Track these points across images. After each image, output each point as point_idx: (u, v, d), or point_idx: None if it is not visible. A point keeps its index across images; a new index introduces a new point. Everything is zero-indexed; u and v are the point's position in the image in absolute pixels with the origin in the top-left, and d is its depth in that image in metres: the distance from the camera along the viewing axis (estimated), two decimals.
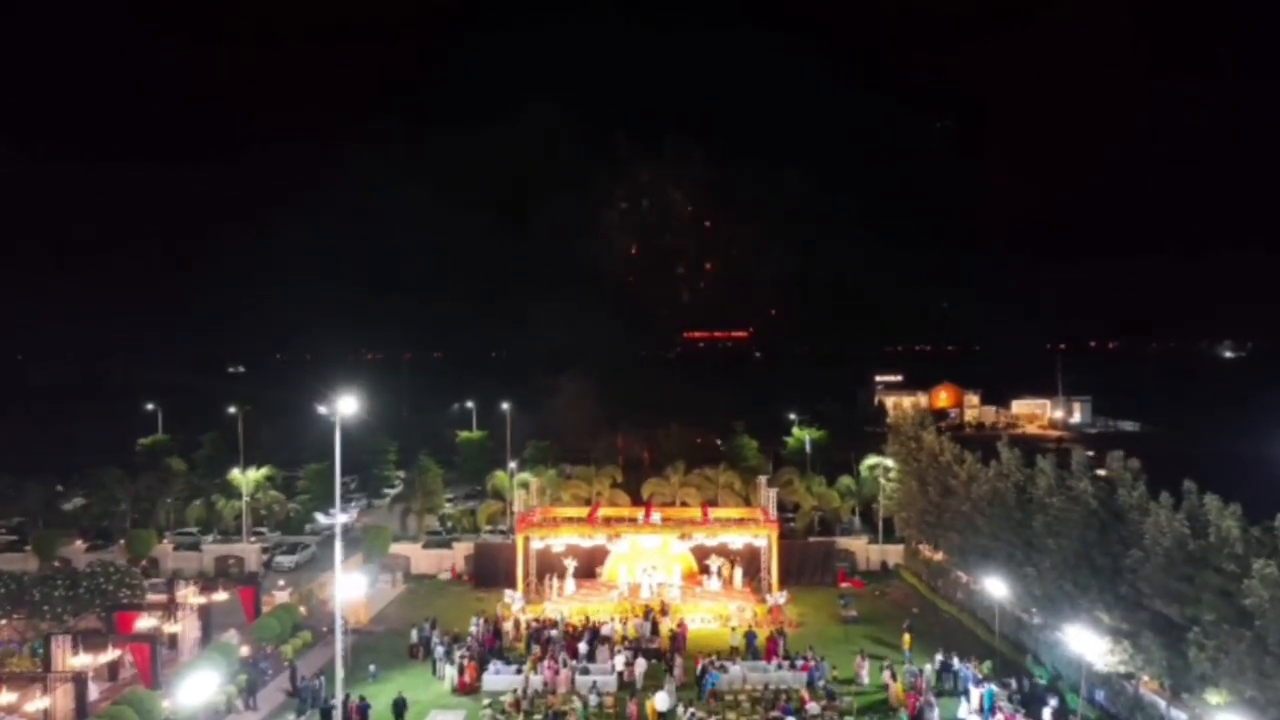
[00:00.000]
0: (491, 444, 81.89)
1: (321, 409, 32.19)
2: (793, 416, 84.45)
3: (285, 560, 57.85)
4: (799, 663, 37.64)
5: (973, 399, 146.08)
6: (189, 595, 43.04)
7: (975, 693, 34.01)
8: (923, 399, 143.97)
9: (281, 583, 48.52)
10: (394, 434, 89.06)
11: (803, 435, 77.11)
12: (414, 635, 41.98)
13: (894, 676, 35.58)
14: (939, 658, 37.37)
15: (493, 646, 40.65)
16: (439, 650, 39.14)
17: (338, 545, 32.56)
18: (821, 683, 36.30)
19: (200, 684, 28.25)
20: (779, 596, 45.95)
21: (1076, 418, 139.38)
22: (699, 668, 36.92)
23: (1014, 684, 34.77)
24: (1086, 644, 31.38)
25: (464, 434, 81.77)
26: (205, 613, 40.20)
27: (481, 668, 38.03)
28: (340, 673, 32.32)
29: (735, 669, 37.01)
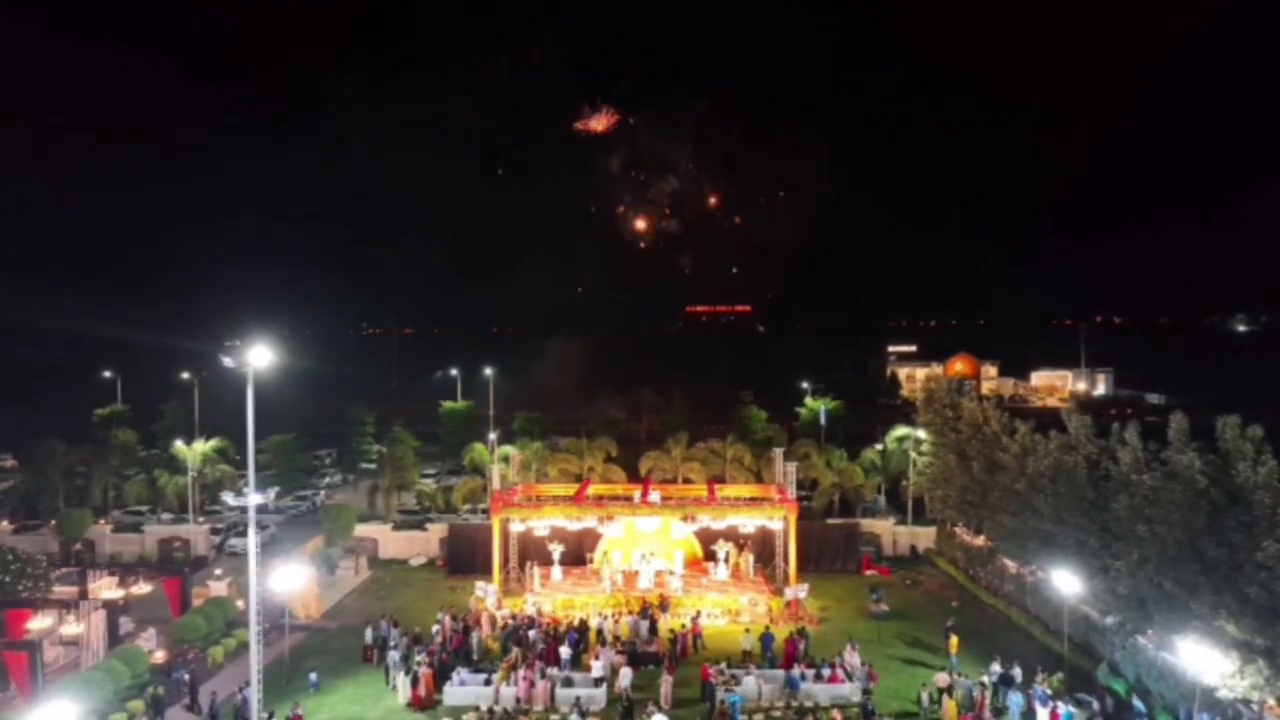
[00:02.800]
0: (479, 414, 75.49)
1: (228, 360, 25.50)
2: (806, 385, 77.57)
3: (240, 543, 51.37)
4: (825, 671, 31.14)
5: (990, 370, 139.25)
6: (103, 587, 36.52)
7: (1044, 713, 27.54)
8: (938, 370, 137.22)
9: (219, 571, 42.09)
10: (381, 406, 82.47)
11: (817, 405, 70.38)
12: (368, 634, 35.49)
13: (949, 691, 28.99)
14: (995, 667, 30.75)
15: (460, 649, 34.16)
16: (393, 655, 32.63)
17: (251, 533, 25.96)
18: (856, 698, 29.87)
19: (56, 713, 21.73)
20: (799, 589, 39.34)
21: (1100, 389, 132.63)
22: (708, 680, 30.44)
23: (1095, 704, 28.20)
24: (1201, 660, 24.73)
25: (448, 404, 74.98)
26: (113, 609, 33.65)
27: (443, 677, 31.54)
28: (256, 693, 25.85)
29: (749, 680, 30.45)
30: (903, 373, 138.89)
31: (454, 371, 78.02)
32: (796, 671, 31.25)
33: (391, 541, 50.67)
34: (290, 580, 33.51)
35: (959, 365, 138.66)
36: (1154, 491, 28.00)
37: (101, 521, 51.41)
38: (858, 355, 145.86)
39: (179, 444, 52.40)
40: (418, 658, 32.61)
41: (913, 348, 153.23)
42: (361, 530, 50.41)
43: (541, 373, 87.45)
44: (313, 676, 32.29)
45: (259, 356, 25.26)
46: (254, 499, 25.73)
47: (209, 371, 69.36)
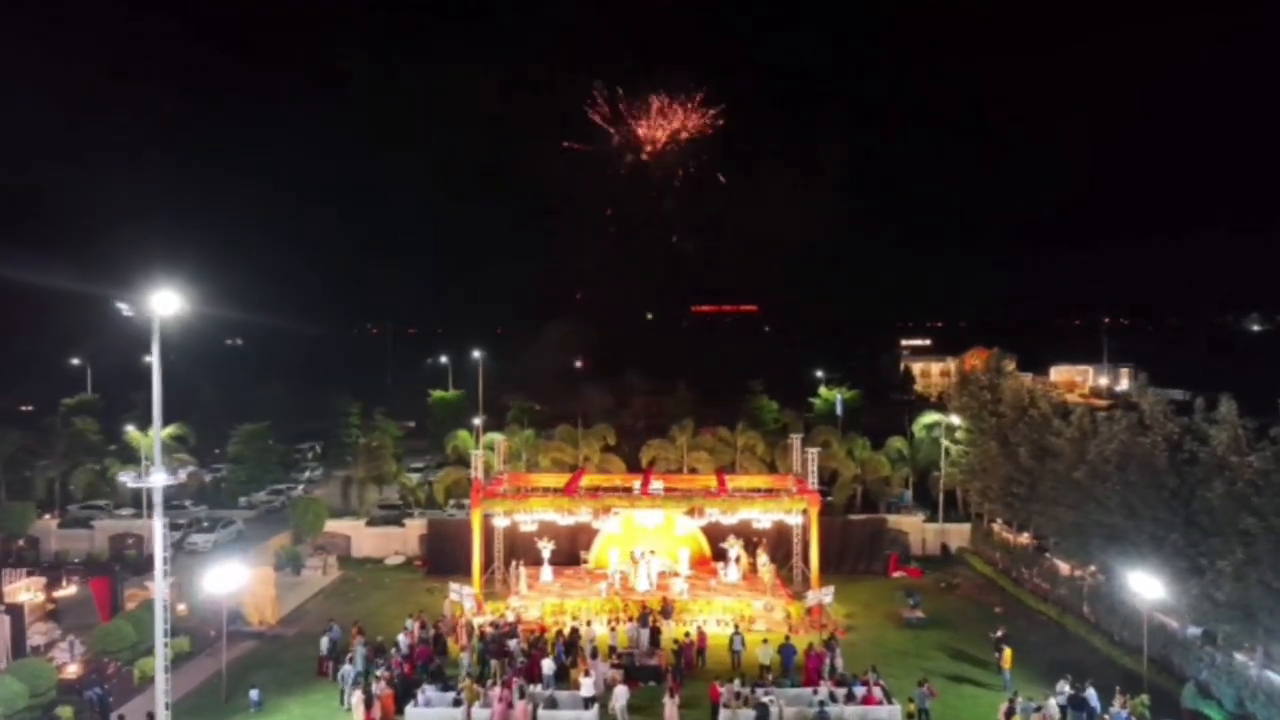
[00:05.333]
0: (471, 405, 70.71)
1: (126, 309, 20.69)
2: (820, 374, 72.55)
3: (202, 540, 46.63)
4: (859, 690, 26.17)
5: (1008, 365, 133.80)
6: (21, 589, 31.72)
7: None
8: (952, 365, 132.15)
9: None
10: (372, 401, 77.64)
11: (833, 395, 65.46)
12: (324, 643, 30.62)
13: (1008, 714, 24.02)
14: (1064, 686, 25.71)
15: (427, 661, 29.24)
16: (347, 670, 27.72)
17: (157, 523, 21.13)
18: None
19: None
20: (823, 593, 34.31)
21: (1124, 385, 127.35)
22: (717, 701, 25.55)
23: None
24: None
25: (437, 393, 70.20)
26: (17, 615, 28.80)
27: (405, 696, 26.64)
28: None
29: (768, 701, 25.46)
30: (916, 367, 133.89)
31: (444, 359, 73.16)
32: (824, 689, 26.32)
33: (366, 538, 45.86)
34: (228, 580, 28.61)
35: (974, 359, 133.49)
36: (1264, 476, 23.03)
37: (47, 516, 46.65)
38: (867, 352, 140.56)
39: (131, 430, 47.55)
40: (377, 672, 27.79)
41: (926, 342, 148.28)
42: (333, 526, 45.69)
43: (536, 360, 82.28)
44: (253, 694, 27.41)
45: (164, 304, 20.43)
46: (160, 479, 20.84)
47: (177, 356, 64.65)
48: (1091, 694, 25.18)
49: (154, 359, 20.58)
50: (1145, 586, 26.36)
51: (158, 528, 21.03)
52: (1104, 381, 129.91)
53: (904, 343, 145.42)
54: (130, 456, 47.73)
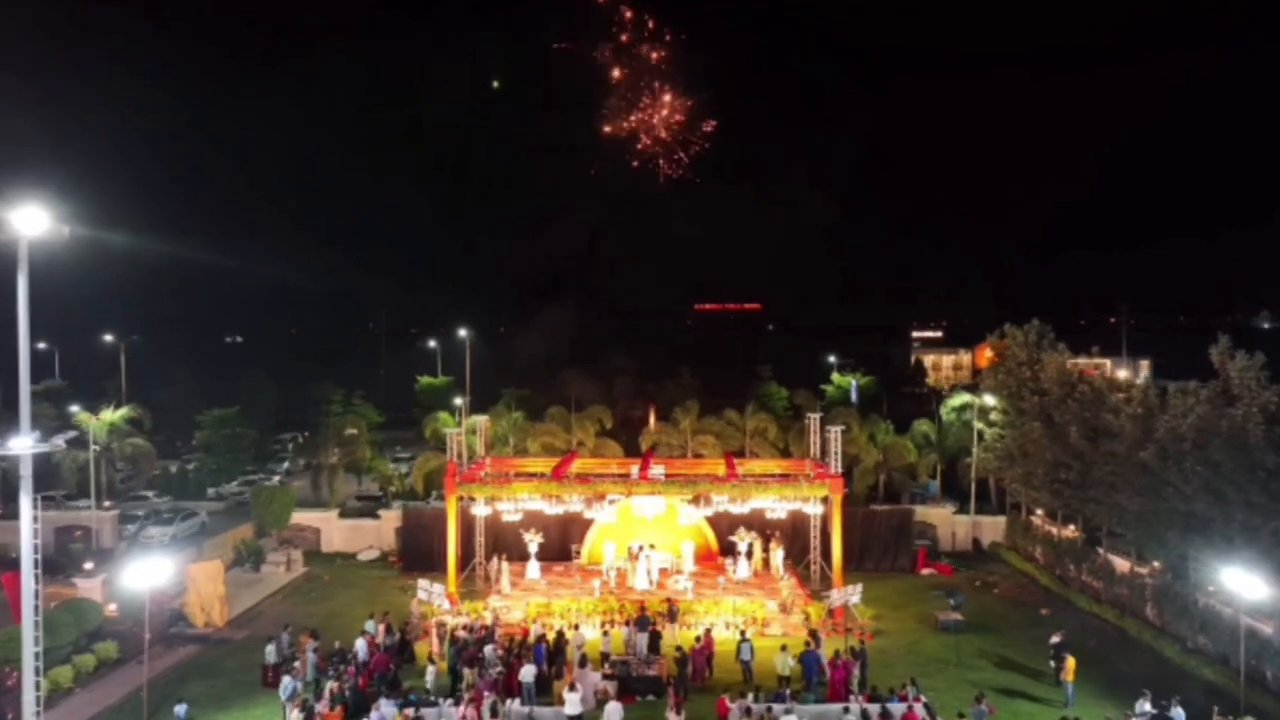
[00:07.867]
0: (459, 392, 66.50)
1: None
2: (833, 359, 68.21)
3: (159, 532, 42.47)
4: (897, 706, 21.85)
5: (1022, 356, 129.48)
6: None
7: None
8: (966, 357, 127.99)
9: (89, 565, 33.10)
10: (366, 393, 73.47)
11: (846, 381, 61.18)
12: (271, 652, 26.33)
13: None
14: (1144, 705, 21.37)
15: (385, 672, 24.93)
16: (287, 683, 23.42)
17: (25, 501, 16.84)
18: None
19: None
20: (849, 592, 29.90)
21: (1144, 377, 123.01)
22: (727, 717, 21.30)
23: None
24: None
25: (425, 379, 65.95)
26: None
27: (359, 711, 22.41)
28: None
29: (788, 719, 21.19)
30: (928, 360, 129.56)
31: (432, 344, 68.90)
32: (855, 706, 21.99)
33: (337, 531, 41.66)
34: (151, 574, 24.30)
35: (989, 352, 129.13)
36: None
37: None
38: (881, 339, 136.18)
39: (77, 410, 43.32)
40: (329, 684, 23.52)
41: (938, 334, 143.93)
42: (301, 518, 41.54)
43: (528, 346, 77.95)
44: (179, 710, 23.02)
45: (29, 222, 16.16)
46: (25, 444, 16.59)
47: (139, 337, 60.62)
48: (1179, 713, 20.88)
49: (20, 292, 16.33)
50: (1243, 585, 21.96)
51: (25, 506, 16.75)
52: (1123, 374, 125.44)
53: (915, 335, 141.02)
54: (80, 442, 43.45)
